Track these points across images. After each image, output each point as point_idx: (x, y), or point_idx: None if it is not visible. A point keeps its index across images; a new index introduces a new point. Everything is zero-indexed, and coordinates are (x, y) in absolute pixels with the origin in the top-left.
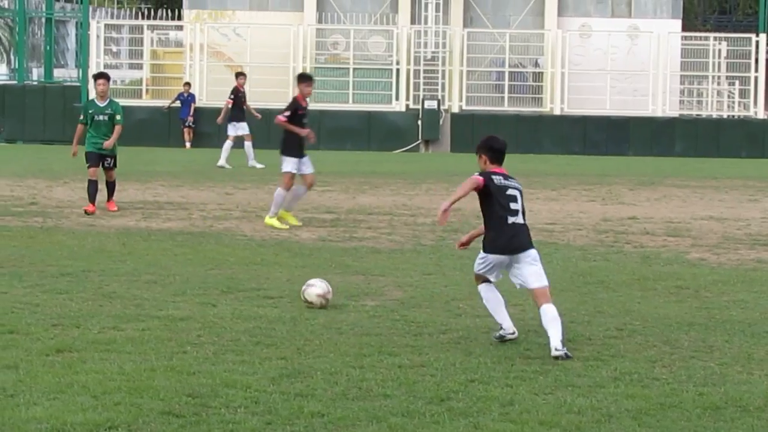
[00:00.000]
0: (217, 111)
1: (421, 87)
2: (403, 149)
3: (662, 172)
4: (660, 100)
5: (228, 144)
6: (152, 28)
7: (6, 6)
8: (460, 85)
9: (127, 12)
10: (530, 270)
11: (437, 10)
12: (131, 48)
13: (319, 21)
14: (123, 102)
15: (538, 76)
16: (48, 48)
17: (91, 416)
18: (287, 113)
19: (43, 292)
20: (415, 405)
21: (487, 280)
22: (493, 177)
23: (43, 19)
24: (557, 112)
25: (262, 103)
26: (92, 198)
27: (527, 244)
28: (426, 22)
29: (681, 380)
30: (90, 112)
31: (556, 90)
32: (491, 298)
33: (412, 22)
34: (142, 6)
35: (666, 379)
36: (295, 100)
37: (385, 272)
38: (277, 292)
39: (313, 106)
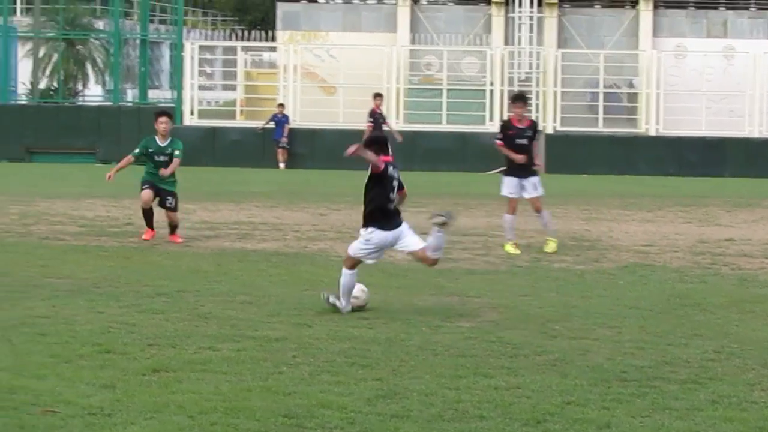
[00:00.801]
0: (310, 132)
1: None
2: (497, 170)
3: (759, 194)
4: (756, 121)
5: None
6: (246, 49)
7: (102, 28)
8: (554, 105)
9: (221, 33)
10: (414, 239)
11: (531, 31)
12: (225, 69)
13: (413, 42)
14: (217, 123)
15: (633, 97)
16: (143, 69)
17: None
18: (500, 136)
19: (139, 312)
20: (511, 427)
21: (355, 266)
22: (388, 167)
23: (138, 41)
24: (652, 133)
25: (355, 124)
26: (148, 223)
27: (402, 220)
28: (520, 43)
29: None
30: (150, 151)
31: (651, 111)
32: (350, 282)
33: (506, 42)
34: (236, 27)
35: (765, 402)
36: (506, 121)
37: (480, 293)
38: (372, 313)
39: (406, 127)
